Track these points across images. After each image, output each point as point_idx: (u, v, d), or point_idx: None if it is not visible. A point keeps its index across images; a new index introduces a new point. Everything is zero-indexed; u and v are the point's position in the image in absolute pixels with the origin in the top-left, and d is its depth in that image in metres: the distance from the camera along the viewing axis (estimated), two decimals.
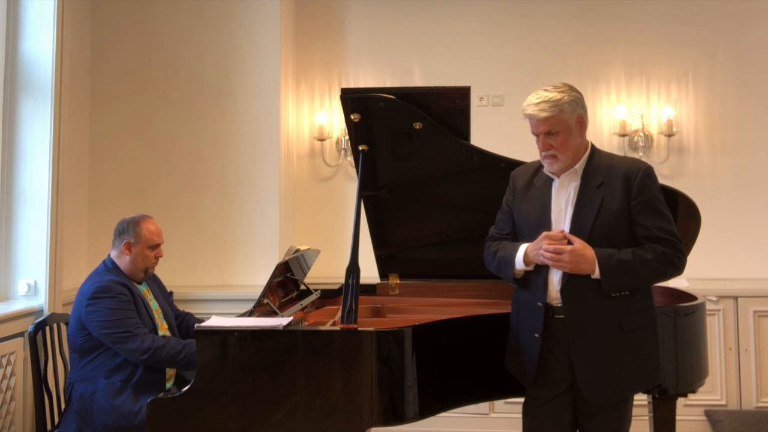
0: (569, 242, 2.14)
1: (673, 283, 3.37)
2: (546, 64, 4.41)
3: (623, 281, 2.15)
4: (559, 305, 2.19)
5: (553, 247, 2.13)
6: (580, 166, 2.24)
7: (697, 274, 3.86)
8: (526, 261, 2.22)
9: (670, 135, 4.35)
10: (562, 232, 2.17)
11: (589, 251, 2.12)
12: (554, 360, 2.22)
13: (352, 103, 2.71)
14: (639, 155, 4.35)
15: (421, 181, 2.93)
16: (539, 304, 2.21)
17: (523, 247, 2.24)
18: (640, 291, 2.23)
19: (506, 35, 4.51)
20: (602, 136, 4.44)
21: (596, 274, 2.13)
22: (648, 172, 2.22)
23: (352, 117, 2.71)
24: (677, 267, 2.19)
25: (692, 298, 2.77)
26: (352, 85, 4.50)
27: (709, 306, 3.15)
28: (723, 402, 3.83)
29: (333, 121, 4.55)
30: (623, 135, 4.38)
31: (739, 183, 4.35)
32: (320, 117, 4.52)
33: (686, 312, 2.60)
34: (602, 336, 2.16)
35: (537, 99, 2.20)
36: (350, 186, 4.51)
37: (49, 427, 2.76)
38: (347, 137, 4.33)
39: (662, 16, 4.43)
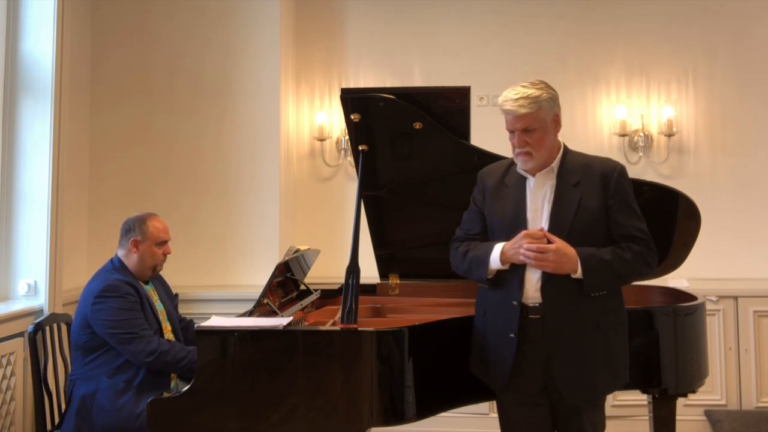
0: (548, 241, 2.12)
1: (673, 283, 3.38)
2: (546, 64, 4.41)
3: (604, 280, 2.15)
4: (535, 305, 2.16)
5: (537, 246, 2.10)
6: (555, 165, 2.22)
7: (697, 274, 3.86)
8: (503, 260, 2.17)
9: (670, 135, 4.35)
10: (542, 230, 2.14)
11: (571, 250, 2.11)
12: (526, 361, 2.18)
13: (352, 103, 2.71)
14: (639, 155, 4.36)
15: (421, 181, 2.93)
16: (514, 303, 2.17)
17: (498, 247, 2.19)
18: (614, 290, 2.22)
19: (506, 35, 4.51)
20: (602, 136, 4.44)
21: (578, 274, 2.11)
22: (623, 171, 2.23)
23: (352, 117, 2.71)
24: (651, 266, 2.20)
25: (692, 298, 2.76)
26: (352, 85, 4.49)
27: (709, 306, 3.14)
28: (723, 402, 3.83)
29: (333, 121, 4.55)
30: (623, 135, 4.38)
31: (739, 183, 4.35)
32: (320, 117, 4.52)
33: (686, 312, 2.60)
34: (581, 335, 2.14)
35: (515, 95, 2.16)
36: (350, 186, 4.51)
37: (49, 427, 2.76)
38: (347, 137, 4.33)
39: (662, 17, 4.43)
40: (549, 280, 2.14)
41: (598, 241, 2.16)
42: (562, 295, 2.14)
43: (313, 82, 4.62)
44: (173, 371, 2.67)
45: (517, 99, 2.15)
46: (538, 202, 2.21)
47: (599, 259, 2.12)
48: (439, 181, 2.91)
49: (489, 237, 2.30)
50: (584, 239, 2.14)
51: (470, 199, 2.40)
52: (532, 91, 2.16)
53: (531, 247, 2.10)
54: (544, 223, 2.18)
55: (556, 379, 2.15)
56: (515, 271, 2.19)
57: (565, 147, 2.28)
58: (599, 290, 2.15)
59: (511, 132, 2.20)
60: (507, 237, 2.20)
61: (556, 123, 2.22)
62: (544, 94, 2.17)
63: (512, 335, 2.17)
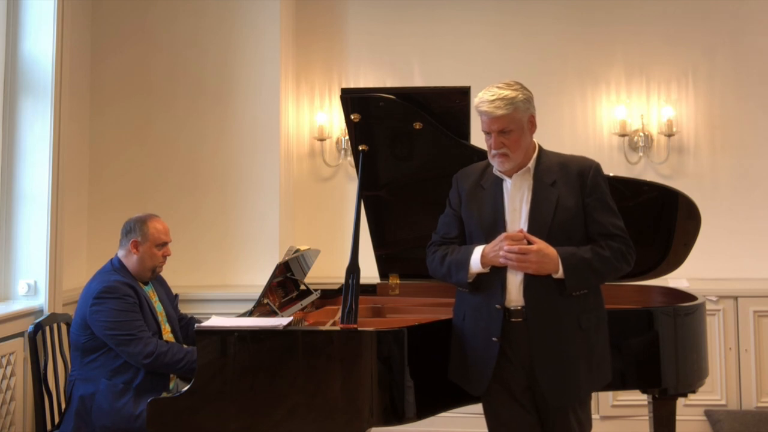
0: (528, 242, 2.11)
1: (673, 283, 3.39)
2: (546, 64, 4.41)
3: (586, 279, 2.14)
4: (517, 308, 2.15)
5: (518, 247, 2.09)
6: (532, 165, 2.22)
7: (697, 274, 3.86)
8: (483, 263, 2.16)
9: (670, 135, 4.35)
10: (522, 231, 2.13)
11: (552, 250, 2.10)
12: (509, 364, 2.17)
13: (352, 103, 2.71)
14: (639, 155, 4.36)
15: (421, 181, 2.93)
16: (497, 306, 2.15)
17: (478, 249, 2.18)
18: (593, 288, 2.22)
19: (507, 35, 4.51)
20: (602, 136, 4.44)
21: (559, 274, 2.10)
22: (599, 170, 2.23)
23: (352, 117, 2.71)
24: (629, 263, 2.20)
25: (692, 298, 2.77)
26: (352, 85, 4.50)
27: (709, 306, 3.15)
28: (723, 402, 3.83)
29: (333, 121, 4.55)
30: (623, 135, 4.38)
31: (739, 183, 4.35)
32: (320, 117, 4.52)
33: (686, 312, 2.60)
34: (564, 336, 2.13)
35: (491, 96, 2.16)
36: (350, 186, 4.51)
37: (49, 427, 2.76)
38: (347, 137, 4.33)
39: (662, 18, 4.43)
40: (531, 282, 2.13)
41: (577, 240, 2.16)
42: (545, 296, 2.13)
43: (313, 82, 4.62)
44: (172, 372, 2.67)
45: (494, 100, 2.15)
46: (516, 203, 2.20)
47: (580, 258, 2.12)
48: (439, 181, 2.91)
49: (467, 240, 2.29)
50: (563, 238, 2.13)
51: (446, 203, 2.39)
52: (508, 93, 2.15)
53: (512, 249, 2.09)
54: (523, 224, 2.17)
55: (539, 381, 2.14)
56: (497, 274, 2.17)
57: (540, 147, 2.27)
58: (580, 289, 2.15)
59: (487, 133, 2.19)
60: (486, 239, 2.19)
61: (532, 124, 2.21)
62: (520, 95, 2.16)
63: (495, 339, 2.15)
